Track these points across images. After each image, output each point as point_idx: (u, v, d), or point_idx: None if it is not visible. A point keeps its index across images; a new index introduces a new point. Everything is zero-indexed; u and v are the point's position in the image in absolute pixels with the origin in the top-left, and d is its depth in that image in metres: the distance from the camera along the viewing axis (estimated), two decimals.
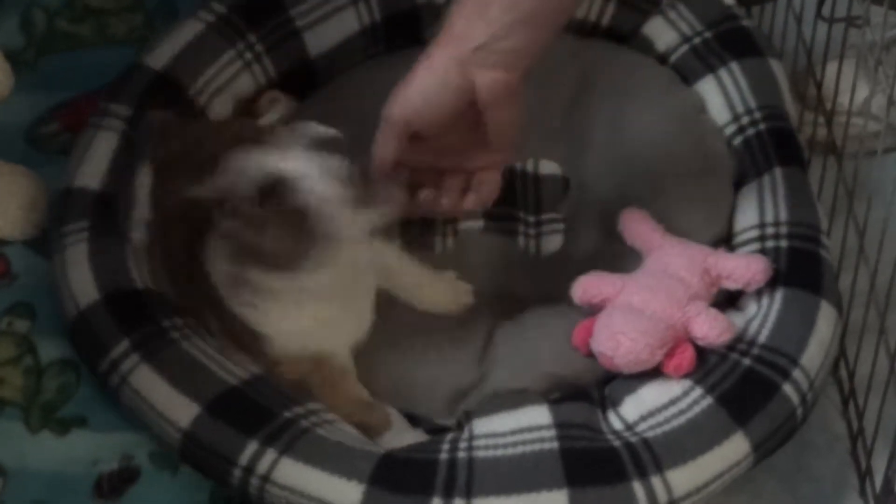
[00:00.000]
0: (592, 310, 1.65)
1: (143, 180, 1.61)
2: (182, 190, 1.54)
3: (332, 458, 1.50)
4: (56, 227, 1.73)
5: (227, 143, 1.46)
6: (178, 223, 1.55)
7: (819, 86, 1.89)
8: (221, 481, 1.53)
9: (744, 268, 1.63)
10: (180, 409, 1.54)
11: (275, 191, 1.38)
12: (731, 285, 1.64)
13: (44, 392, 1.68)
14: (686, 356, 1.58)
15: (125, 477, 1.60)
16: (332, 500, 1.48)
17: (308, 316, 1.53)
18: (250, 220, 1.39)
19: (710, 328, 1.58)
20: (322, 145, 1.41)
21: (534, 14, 1.48)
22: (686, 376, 1.57)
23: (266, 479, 1.49)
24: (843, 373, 1.71)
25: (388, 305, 1.69)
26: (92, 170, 1.76)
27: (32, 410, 1.66)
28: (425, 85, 1.51)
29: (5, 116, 1.95)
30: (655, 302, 1.60)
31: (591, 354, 1.62)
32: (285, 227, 1.40)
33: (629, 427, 1.55)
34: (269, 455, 1.49)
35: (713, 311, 1.60)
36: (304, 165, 1.39)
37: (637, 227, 1.72)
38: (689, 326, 1.59)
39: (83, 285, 1.65)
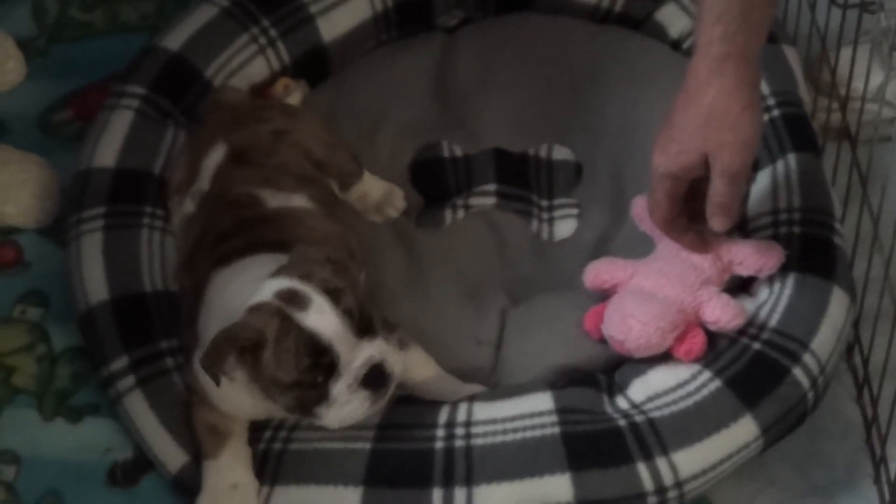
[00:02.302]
0: (603, 295, 1.64)
1: (215, 157, 1.67)
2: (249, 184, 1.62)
3: (321, 470, 1.51)
4: (73, 212, 1.73)
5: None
6: (227, 211, 1.61)
7: (833, 72, 1.88)
8: None
9: (756, 254, 1.63)
10: (170, 454, 1.56)
11: (319, 369, 1.42)
12: (744, 272, 1.64)
13: (57, 380, 1.69)
14: (697, 341, 1.57)
15: (139, 466, 1.61)
16: None
17: (249, 403, 1.53)
18: (281, 370, 1.42)
19: (722, 312, 1.58)
20: (374, 372, 1.45)
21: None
22: (696, 361, 1.57)
23: None
24: (858, 360, 1.70)
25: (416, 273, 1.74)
26: (109, 149, 1.77)
27: (46, 398, 1.67)
28: (758, 120, 1.52)
29: (18, 104, 1.96)
30: (668, 286, 1.60)
31: (602, 339, 1.61)
32: (301, 397, 1.44)
33: (635, 406, 1.55)
34: (263, 491, 1.51)
35: (724, 296, 1.60)
36: (352, 374, 1.43)
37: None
38: (701, 311, 1.59)
39: (94, 282, 1.67)
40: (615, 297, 1.62)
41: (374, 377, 1.44)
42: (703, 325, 1.59)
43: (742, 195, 1.58)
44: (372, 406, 1.46)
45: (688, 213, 1.59)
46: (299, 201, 1.63)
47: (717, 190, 1.51)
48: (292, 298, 1.41)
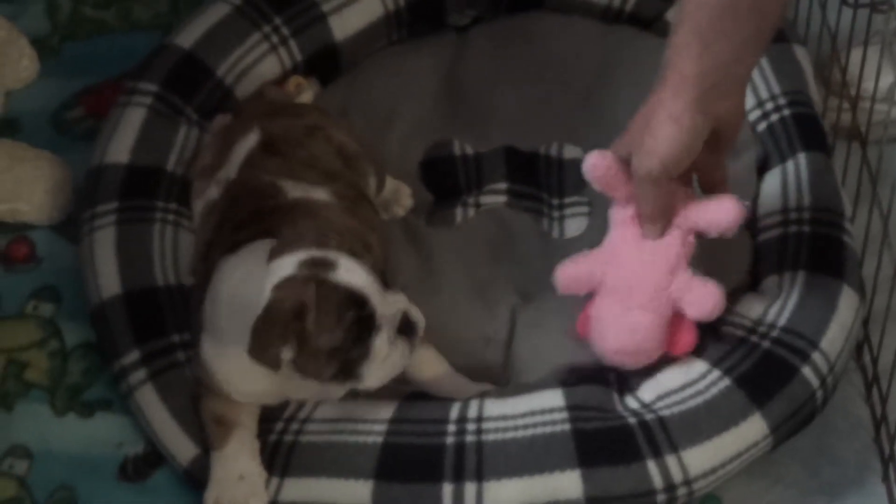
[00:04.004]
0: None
1: (247, 144, 1.69)
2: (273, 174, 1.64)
3: (332, 463, 1.52)
4: (86, 207, 1.74)
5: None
6: (248, 199, 1.62)
7: (843, 71, 1.88)
8: None
9: (718, 217, 1.54)
10: (181, 447, 1.56)
11: (361, 324, 1.44)
12: (710, 234, 1.56)
13: (69, 375, 1.70)
14: (686, 337, 1.57)
15: (150, 460, 1.62)
16: (344, 502, 1.50)
17: (263, 387, 1.53)
18: (327, 332, 1.43)
19: (702, 305, 1.54)
20: (405, 321, 1.48)
21: (752, 37, 1.48)
22: (697, 355, 1.58)
23: (275, 503, 1.52)
24: (867, 358, 1.70)
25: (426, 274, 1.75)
26: (121, 145, 1.78)
27: (58, 393, 1.68)
28: (677, 137, 1.48)
29: (31, 102, 1.97)
30: (641, 291, 1.56)
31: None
32: (345, 361, 1.46)
33: (645, 406, 1.55)
34: (273, 483, 1.52)
35: (698, 283, 1.55)
36: (389, 324, 1.47)
37: (609, 174, 1.57)
38: (679, 306, 1.55)
39: (107, 276, 1.67)
40: (595, 312, 1.59)
41: (407, 326, 1.47)
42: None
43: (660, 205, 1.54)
44: (408, 357, 1.49)
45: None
46: (320, 194, 1.64)
47: (636, 194, 1.53)
48: (318, 264, 1.43)
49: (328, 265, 1.43)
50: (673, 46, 1.49)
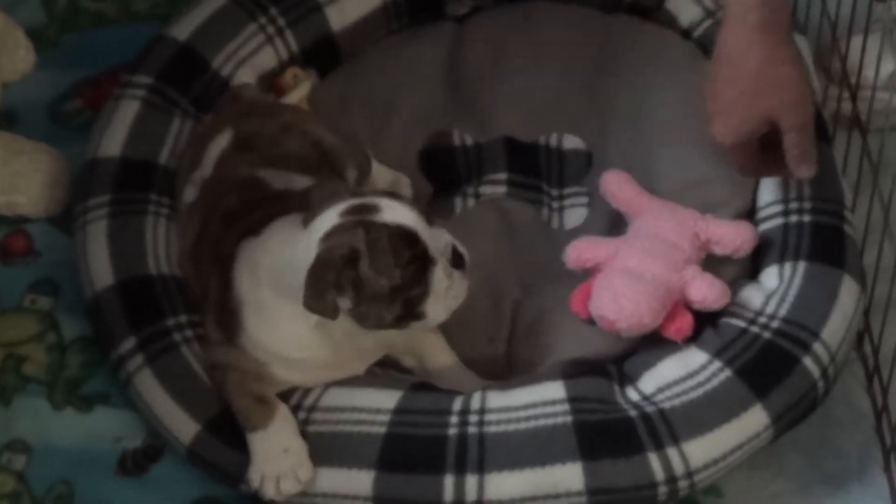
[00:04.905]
0: (588, 274, 1.65)
1: (219, 144, 1.68)
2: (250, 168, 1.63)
3: (336, 452, 1.51)
4: (80, 201, 1.74)
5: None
6: (232, 194, 1.62)
7: (844, 60, 1.88)
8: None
9: (733, 234, 1.65)
10: (183, 425, 1.56)
11: (416, 261, 1.45)
12: (720, 251, 1.66)
13: (67, 369, 1.69)
14: (686, 320, 1.59)
15: (149, 454, 1.62)
16: (345, 492, 1.50)
17: (318, 353, 1.54)
18: (384, 274, 1.43)
19: (708, 291, 1.59)
20: (455, 252, 1.50)
21: None
22: (697, 346, 1.58)
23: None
24: (868, 348, 1.70)
25: None
26: (114, 138, 1.78)
27: (56, 387, 1.68)
28: (802, 74, 1.58)
29: (28, 93, 1.96)
30: (653, 265, 1.60)
31: (590, 318, 1.62)
32: (406, 299, 1.46)
33: (646, 398, 1.55)
34: None
35: (709, 276, 1.61)
36: (443, 256, 1.48)
37: (621, 190, 1.71)
38: (686, 290, 1.60)
39: (100, 269, 1.67)
40: (602, 276, 1.62)
41: (457, 257, 1.48)
42: (687, 306, 1.61)
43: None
44: (466, 288, 1.50)
45: (766, 162, 1.64)
46: (303, 182, 1.63)
47: (793, 143, 1.57)
48: (361, 209, 1.44)
49: (371, 209, 1.44)
50: None
